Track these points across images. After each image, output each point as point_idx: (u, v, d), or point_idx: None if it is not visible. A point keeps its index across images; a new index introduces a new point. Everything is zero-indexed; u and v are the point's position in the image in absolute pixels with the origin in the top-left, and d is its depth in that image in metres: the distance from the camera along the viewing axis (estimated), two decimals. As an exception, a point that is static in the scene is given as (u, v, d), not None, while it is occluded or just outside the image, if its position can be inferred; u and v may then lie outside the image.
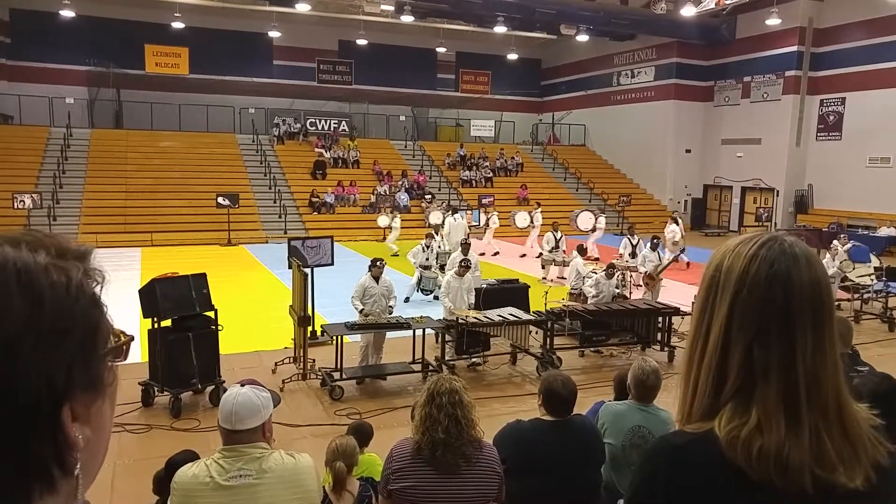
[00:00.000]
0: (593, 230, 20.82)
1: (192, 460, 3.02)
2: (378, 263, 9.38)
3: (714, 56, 30.83)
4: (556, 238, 16.55)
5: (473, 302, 10.01)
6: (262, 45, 32.66)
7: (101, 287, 0.75)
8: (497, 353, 9.87)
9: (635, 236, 15.37)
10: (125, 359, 0.79)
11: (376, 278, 9.30)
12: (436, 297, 12.42)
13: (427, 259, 14.22)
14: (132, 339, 0.80)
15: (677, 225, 18.16)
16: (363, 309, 9.15)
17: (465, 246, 12.09)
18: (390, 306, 9.37)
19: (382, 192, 26.98)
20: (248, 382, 2.82)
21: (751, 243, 1.18)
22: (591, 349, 10.32)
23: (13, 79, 29.18)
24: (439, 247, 14.89)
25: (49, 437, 0.68)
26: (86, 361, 0.70)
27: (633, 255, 14.58)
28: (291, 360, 9.08)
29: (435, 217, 20.50)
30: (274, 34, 30.76)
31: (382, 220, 22.13)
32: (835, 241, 14.40)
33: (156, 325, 7.73)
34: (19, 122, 28.18)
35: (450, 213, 19.52)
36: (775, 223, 27.23)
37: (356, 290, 9.27)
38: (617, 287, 11.93)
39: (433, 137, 36.30)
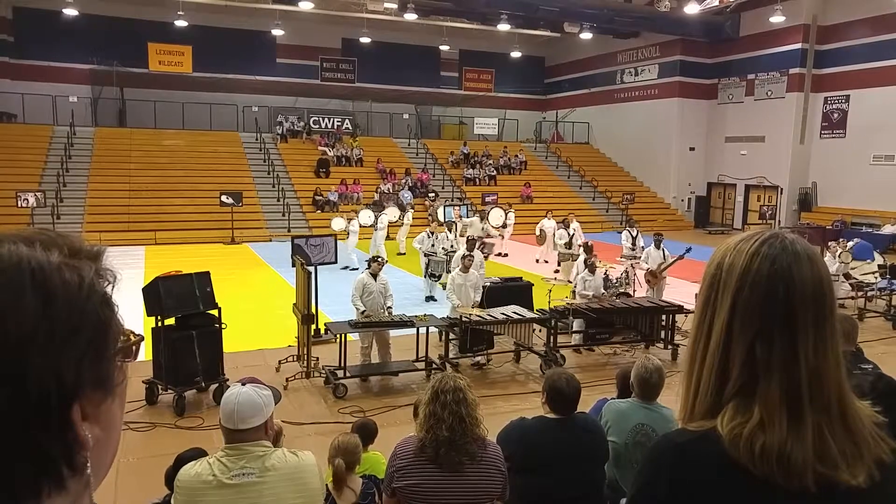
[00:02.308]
0: (504, 226, 20.99)
1: (200, 457, 3.03)
2: (379, 260, 9.41)
3: (718, 54, 30.75)
4: (569, 235, 16.45)
5: (479, 299, 9.95)
6: (265, 43, 32.65)
7: (113, 287, 0.76)
8: (501, 351, 9.87)
9: (634, 228, 15.60)
10: (135, 359, 0.79)
11: (374, 275, 9.31)
12: (443, 286, 12.42)
13: (433, 245, 14.57)
14: (142, 339, 0.81)
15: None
16: (364, 310, 9.15)
17: (471, 243, 12.13)
18: (389, 307, 9.38)
19: (386, 190, 27.00)
20: (249, 381, 2.82)
21: (752, 241, 1.17)
22: (587, 347, 10.33)
23: (17, 77, 29.20)
24: (452, 246, 14.87)
25: (59, 435, 0.68)
26: (96, 360, 0.71)
27: (633, 247, 14.71)
28: (295, 359, 9.09)
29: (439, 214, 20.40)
30: (277, 32, 30.77)
31: (337, 223, 19.10)
32: (839, 241, 14.39)
33: (159, 324, 7.74)
34: (23, 120, 28.23)
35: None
36: (779, 221, 27.20)
37: (356, 288, 9.27)
38: (620, 285, 11.93)
39: (436, 135, 36.28)
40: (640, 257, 13.73)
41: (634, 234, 15.23)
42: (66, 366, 0.67)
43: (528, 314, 9.47)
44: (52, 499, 0.68)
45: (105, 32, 29.95)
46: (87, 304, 0.70)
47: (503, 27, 30.22)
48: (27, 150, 25.49)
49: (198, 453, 3.70)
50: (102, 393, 0.73)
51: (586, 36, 31.40)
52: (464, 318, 9.04)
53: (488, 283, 10.67)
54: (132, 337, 0.79)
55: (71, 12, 27.48)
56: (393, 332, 9.20)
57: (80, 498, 0.71)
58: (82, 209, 23.18)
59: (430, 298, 13.66)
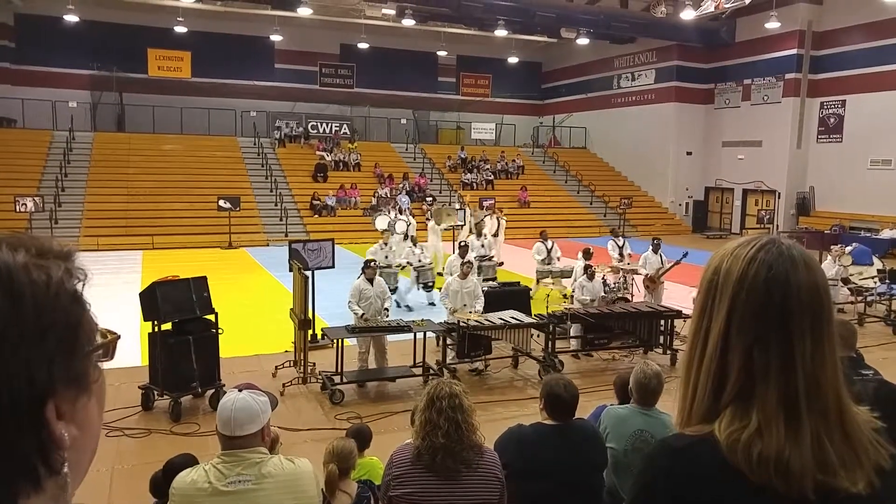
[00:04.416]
0: (496, 234, 18.82)
1: (190, 464, 3.01)
2: (372, 264, 9.36)
3: (714, 59, 30.83)
4: (547, 248, 14.82)
5: (480, 308, 9.78)
6: (263, 48, 32.72)
7: (84, 285, 0.75)
8: (499, 357, 9.83)
9: (620, 238, 15.21)
10: (112, 358, 0.79)
11: (370, 280, 9.28)
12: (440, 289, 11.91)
13: (386, 257, 13.62)
14: (118, 337, 0.80)
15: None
16: (363, 314, 9.12)
17: (464, 248, 12.12)
18: (386, 308, 9.34)
19: (383, 195, 27.01)
20: (246, 387, 2.80)
21: (749, 246, 1.17)
22: (585, 353, 10.30)
23: (17, 83, 29.19)
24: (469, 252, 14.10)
25: (33, 434, 0.68)
26: (68, 358, 0.70)
27: (621, 256, 14.45)
28: (292, 364, 9.05)
29: (381, 222, 17.98)
30: (276, 38, 30.83)
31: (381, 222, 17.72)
32: (839, 245, 14.38)
33: (156, 329, 7.72)
34: (22, 125, 28.23)
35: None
36: (777, 225, 27.21)
37: (352, 292, 9.24)
38: (618, 290, 11.92)
39: (434, 140, 36.30)
40: (630, 265, 13.61)
41: (621, 243, 14.79)
42: (36, 365, 0.67)
43: (526, 319, 9.45)
44: (30, 499, 0.67)
45: (105, 38, 30.00)
46: (56, 303, 0.70)
47: (500, 33, 30.25)
48: (26, 154, 25.48)
49: (188, 459, 3.69)
50: (77, 391, 0.72)
51: (583, 41, 31.45)
52: (461, 324, 9.02)
53: (485, 288, 10.66)
54: (108, 335, 0.78)
55: (72, 18, 27.48)
56: (390, 338, 9.18)
57: (57, 499, 0.70)
58: (80, 214, 23.16)
59: (433, 304, 13.46)
